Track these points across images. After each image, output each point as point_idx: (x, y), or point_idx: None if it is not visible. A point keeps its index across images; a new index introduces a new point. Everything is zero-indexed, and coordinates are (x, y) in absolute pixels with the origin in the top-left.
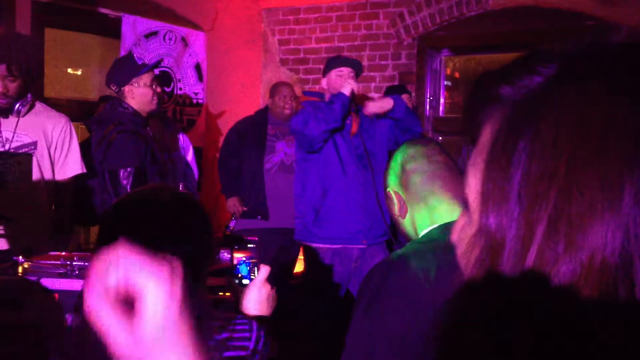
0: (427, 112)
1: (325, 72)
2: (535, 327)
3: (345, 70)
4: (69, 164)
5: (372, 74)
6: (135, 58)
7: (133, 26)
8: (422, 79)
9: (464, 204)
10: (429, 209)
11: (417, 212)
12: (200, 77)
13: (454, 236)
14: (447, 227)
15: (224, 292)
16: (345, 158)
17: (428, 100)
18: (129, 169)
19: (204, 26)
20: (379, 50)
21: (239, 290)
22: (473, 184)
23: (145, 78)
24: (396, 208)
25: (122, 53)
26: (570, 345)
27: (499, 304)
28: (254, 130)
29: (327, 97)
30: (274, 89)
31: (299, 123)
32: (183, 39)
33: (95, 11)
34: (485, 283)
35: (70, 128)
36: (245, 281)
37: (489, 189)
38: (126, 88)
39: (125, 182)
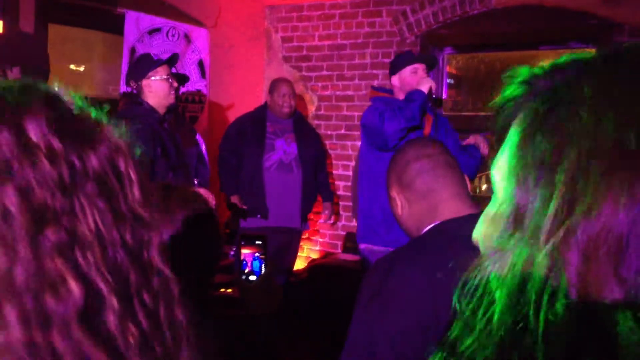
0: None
1: (396, 69)
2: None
3: (420, 68)
4: None
5: (374, 71)
6: (152, 55)
7: (136, 22)
8: None
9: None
10: (431, 207)
11: (420, 211)
12: (203, 74)
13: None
14: (449, 223)
15: (227, 289)
16: None
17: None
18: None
19: (207, 23)
20: (382, 48)
21: (246, 286)
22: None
23: (161, 71)
24: (399, 208)
25: (125, 49)
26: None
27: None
28: (253, 128)
29: (395, 93)
30: (273, 86)
31: (375, 119)
32: (186, 36)
33: (99, 7)
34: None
35: None
36: (252, 277)
37: (516, 164)
38: (144, 82)
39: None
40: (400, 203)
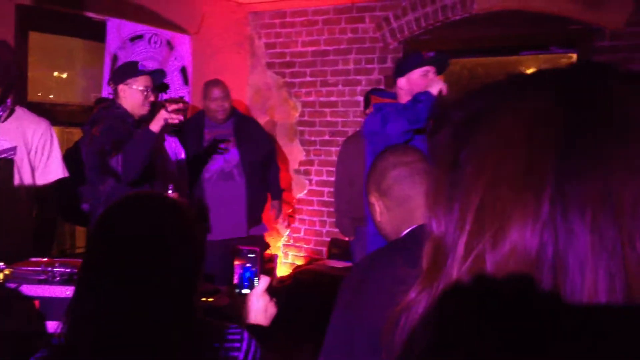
0: None
1: (404, 70)
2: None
3: (431, 70)
4: (51, 169)
5: (358, 77)
6: (140, 65)
7: (118, 29)
8: None
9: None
10: (408, 213)
11: (398, 217)
12: (185, 81)
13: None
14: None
15: (208, 298)
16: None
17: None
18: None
19: (189, 29)
20: (365, 54)
21: (239, 300)
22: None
23: (141, 81)
24: (378, 214)
25: (107, 56)
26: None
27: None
28: (190, 137)
29: (399, 96)
30: (205, 90)
31: (377, 123)
32: (168, 43)
33: (80, 15)
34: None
35: (51, 132)
36: (245, 290)
37: (433, 194)
38: (120, 87)
39: (108, 155)
40: (379, 209)
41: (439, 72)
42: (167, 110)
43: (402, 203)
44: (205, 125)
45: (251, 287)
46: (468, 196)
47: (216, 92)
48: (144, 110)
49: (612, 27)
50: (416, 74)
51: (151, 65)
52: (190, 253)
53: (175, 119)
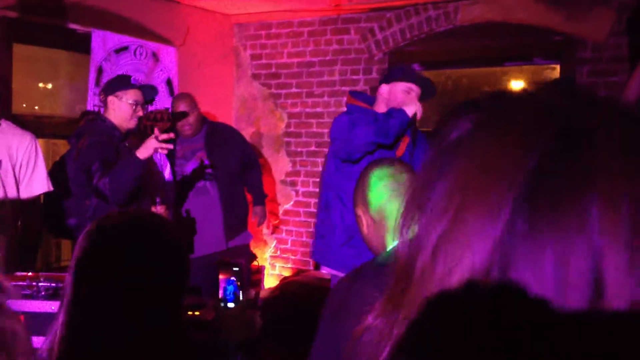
0: None
1: (389, 78)
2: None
3: (415, 90)
4: (35, 182)
5: (343, 88)
6: (133, 79)
7: (103, 41)
8: None
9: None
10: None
11: (385, 230)
12: (171, 92)
13: None
14: None
15: (194, 311)
16: None
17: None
18: (96, 164)
19: (175, 41)
20: (351, 65)
21: (224, 314)
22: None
23: (131, 95)
24: (364, 226)
25: (92, 68)
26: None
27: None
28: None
29: (376, 101)
30: (172, 106)
31: (344, 126)
32: (154, 54)
33: (64, 26)
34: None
35: (36, 146)
36: (230, 304)
37: (401, 217)
38: (110, 98)
39: (95, 176)
40: (365, 222)
41: (423, 96)
42: (157, 140)
43: (390, 216)
44: (177, 141)
45: (236, 300)
46: (433, 219)
47: (180, 108)
48: (132, 124)
49: (594, 38)
50: (399, 87)
51: (137, 77)
52: (174, 270)
53: (165, 149)
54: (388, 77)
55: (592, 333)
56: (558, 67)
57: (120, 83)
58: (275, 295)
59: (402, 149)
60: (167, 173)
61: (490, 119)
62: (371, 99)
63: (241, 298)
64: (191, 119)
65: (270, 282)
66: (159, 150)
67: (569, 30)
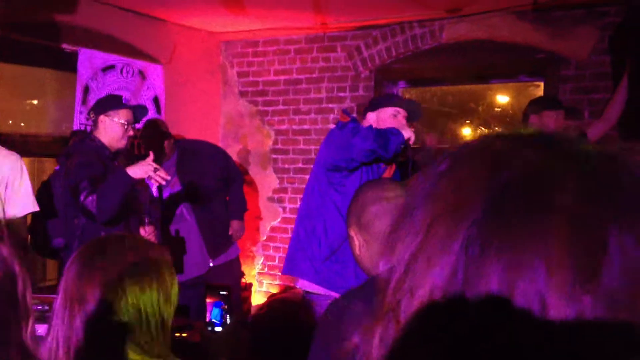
0: None
1: (377, 106)
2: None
3: (402, 113)
4: (21, 202)
5: (330, 105)
6: (124, 99)
7: (90, 60)
8: None
9: None
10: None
11: (377, 251)
12: (158, 110)
13: None
14: None
15: (182, 333)
16: None
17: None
18: (84, 182)
19: (161, 59)
20: (337, 82)
21: (211, 337)
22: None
23: (122, 115)
24: (357, 248)
25: (78, 87)
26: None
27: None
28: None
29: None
30: (147, 129)
31: (347, 132)
32: (140, 72)
33: (51, 45)
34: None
35: (21, 166)
36: (217, 328)
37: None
38: (101, 117)
39: (82, 194)
40: (358, 243)
41: (410, 119)
42: (153, 171)
43: (382, 239)
44: None
45: (224, 324)
46: (408, 242)
47: (157, 131)
48: (122, 144)
49: (577, 56)
50: (387, 112)
51: (124, 95)
52: (160, 292)
53: (156, 183)
54: (374, 104)
55: (535, 351)
56: (542, 84)
57: (112, 103)
58: (263, 312)
59: (388, 173)
60: (154, 191)
61: (456, 162)
62: (355, 119)
63: (228, 321)
64: (169, 143)
65: (258, 299)
66: (151, 180)
67: (553, 48)
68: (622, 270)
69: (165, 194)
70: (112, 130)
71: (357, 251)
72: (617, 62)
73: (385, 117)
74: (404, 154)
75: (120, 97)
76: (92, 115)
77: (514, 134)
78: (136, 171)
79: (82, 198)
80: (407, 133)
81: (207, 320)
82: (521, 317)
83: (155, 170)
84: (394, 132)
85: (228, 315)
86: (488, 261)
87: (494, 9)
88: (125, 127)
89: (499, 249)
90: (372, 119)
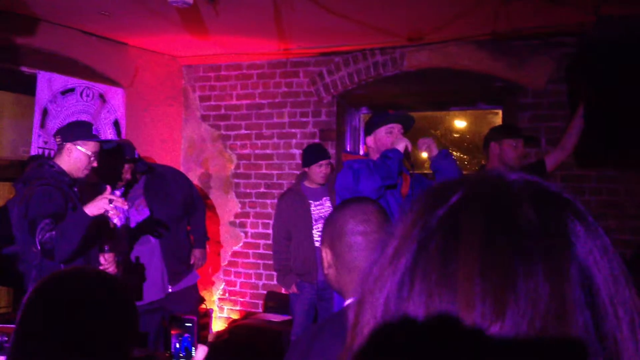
0: None
1: (371, 129)
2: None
3: (396, 128)
4: None
5: (293, 130)
6: (94, 129)
7: (49, 83)
8: (342, 135)
9: None
10: (356, 282)
11: (345, 281)
12: (118, 134)
13: None
14: None
15: None
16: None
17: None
18: (46, 220)
19: (122, 82)
20: (300, 108)
21: None
22: None
23: (90, 147)
24: (326, 265)
25: (37, 110)
26: None
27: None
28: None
29: (370, 154)
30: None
31: (349, 179)
32: (101, 96)
33: (10, 68)
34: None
35: None
36: None
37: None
38: (68, 145)
39: (41, 233)
40: (327, 263)
41: (405, 129)
42: (110, 202)
43: (352, 271)
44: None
45: (188, 357)
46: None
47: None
48: (83, 174)
49: (534, 85)
50: (382, 132)
51: (83, 118)
52: (121, 326)
53: (115, 215)
54: (368, 129)
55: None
56: (500, 112)
57: (82, 132)
58: (224, 339)
59: (405, 188)
60: (117, 221)
61: (414, 203)
62: (356, 153)
63: (194, 354)
64: (127, 165)
65: (218, 325)
66: (109, 214)
67: (511, 77)
68: (529, 306)
69: (132, 217)
70: (77, 159)
71: (325, 269)
72: (573, 91)
73: (381, 137)
74: (408, 162)
75: (90, 125)
76: (58, 140)
77: (451, 180)
78: (93, 209)
79: (39, 237)
80: (402, 144)
81: (172, 352)
82: (440, 338)
83: (111, 201)
84: (390, 156)
85: (193, 348)
86: (416, 287)
87: (454, 38)
88: (91, 158)
89: (423, 278)
90: (371, 142)
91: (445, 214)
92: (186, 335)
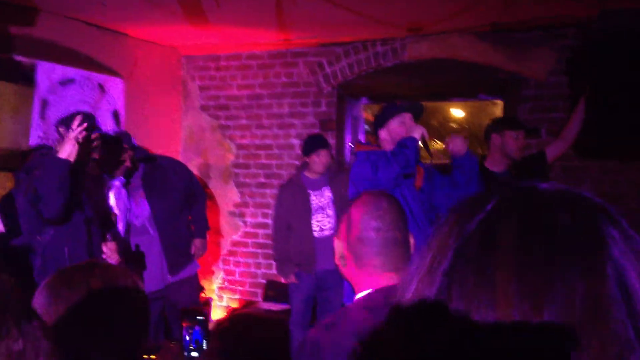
0: (348, 158)
1: (383, 122)
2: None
3: (407, 117)
4: None
5: (293, 120)
6: (97, 121)
7: (48, 73)
8: (341, 126)
9: None
10: (366, 276)
11: (355, 274)
12: (118, 124)
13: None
14: (382, 291)
15: (150, 355)
16: (417, 212)
17: (349, 146)
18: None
19: (122, 73)
20: (300, 98)
21: None
22: None
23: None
24: (337, 255)
25: (36, 101)
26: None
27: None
28: (99, 194)
29: (383, 147)
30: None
31: (367, 170)
32: (100, 86)
33: (9, 58)
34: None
35: None
36: (194, 354)
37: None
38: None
39: (27, 190)
40: (338, 254)
41: (416, 117)
42: (78, 134)
43: (363, 266)
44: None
45: (199, 349)
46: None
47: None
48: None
49: (536, 76)
50: (394, 123)
51: (83, 109)
52: (134, 321)
53: (81, 136)
54: (380, 122)
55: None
56: (502, 103)
57: (89, 127)
58: (224, 327)
59: (419, 180)
60: (120, 205)
61: (446, 218)
62: (371, 144)
63: (205, 347)
64: (127, 154)
65: (217, 314)
66: (78, 139)
67: (512, 69)
68: (566, 304)
69: (131, 207)
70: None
71: (337, 258)
72: (574, 83)
73: (394, 128)
74: (426, 150)
75: (93, 117)
76: (61, 130)
77: (484, 192)
78: (64, 149)
79: (28, 197)
80: (418, 132)
81: (183, 344)
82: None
83: (78, 129)
84: (407, 144)
85: (205, 341)
86: (454, 292)
87: (455, 29)
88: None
89: (461, 283)
90: (384, 135)
91: (481, 222)
92: (197, 327)
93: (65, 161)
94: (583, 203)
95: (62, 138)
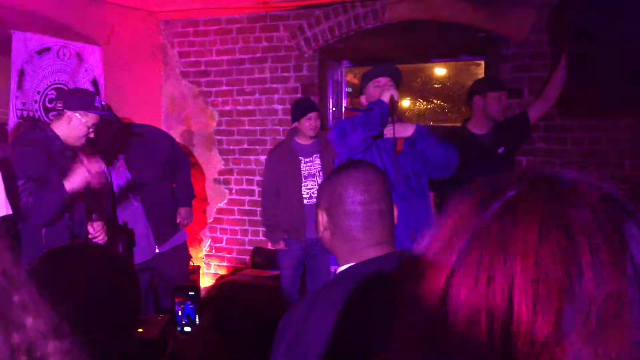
0: (330, 122)
1: (362, 88)
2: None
3: (383, 80)
4: None
5: (274, 85)
6: (97, 100)
7: (24, 43)
8: (324, 89)
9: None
10: (351, 250)
11: (340, 247)
12: (97, 93)
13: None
14: (368, 263)
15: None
16: (394, 177)
17: (331, 110)
18: (20, 182)
19: (99, 40)
20: (281, 62)
21: (181, 338)
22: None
23: (91, 118)
24: (320, 227)
25: (13, 71)
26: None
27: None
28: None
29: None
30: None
31: (336, 134)
32: (78, 55)
33: None
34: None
35: None
36: (187, 328)
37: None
38: (68, 112)
39: (21, 193)
40: (322, 226)
41: (395, 80)
42: (88, 171)
43: (348, 239)
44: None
45: (191, 324)
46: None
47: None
48: (78, 143)
49: (516, 35)
50: (370, 87)
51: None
52: (124, 304)
53: (97, 183)
54: (360, 89)
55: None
56: (483, 63)
57: (86, 102)
58: (213, 294)
59: (400, 145)
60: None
61: (456, 203)
62: (357, 110)
63: (197, 322)
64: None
65: (206, 281)
66: (90, 184)
67: (492, 28)
68: (585, 303)
69: (113, 180)
70: (74, 128)
71: (320, 230)
72: (555, 41)
73: (370, 92)
74: (393, 113)
75: (94, 95)
76: (59, 105)
77: (506, 175)
78: (72, 183)
79: (23, 200)
80: (387, 94)
81: (176, 319)
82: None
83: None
84: (373, 107)
85: (197, 316)
86: (469, 268)
87: None
88: (89, 129)
89: (478, 265)
90: (364, 100)
91: (501, 208)
92: (188, 303)
93: (68, 194)
94: (606, 198)
95: (59, 114)
